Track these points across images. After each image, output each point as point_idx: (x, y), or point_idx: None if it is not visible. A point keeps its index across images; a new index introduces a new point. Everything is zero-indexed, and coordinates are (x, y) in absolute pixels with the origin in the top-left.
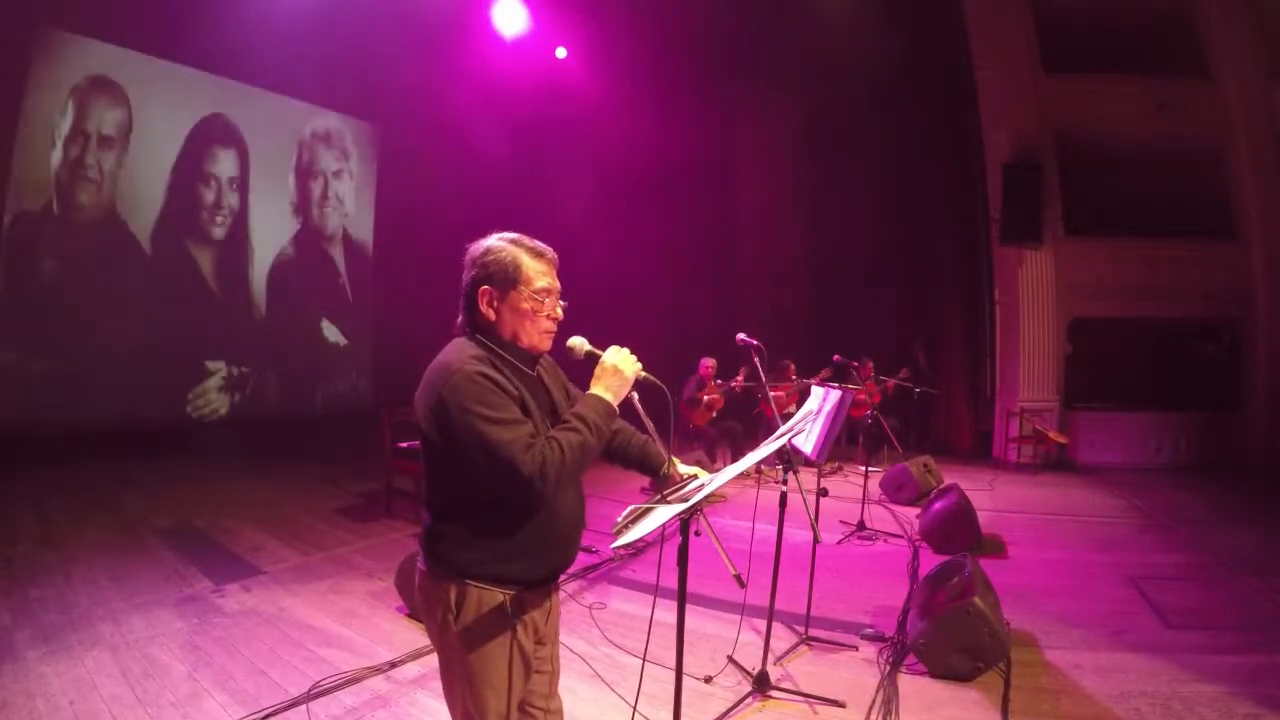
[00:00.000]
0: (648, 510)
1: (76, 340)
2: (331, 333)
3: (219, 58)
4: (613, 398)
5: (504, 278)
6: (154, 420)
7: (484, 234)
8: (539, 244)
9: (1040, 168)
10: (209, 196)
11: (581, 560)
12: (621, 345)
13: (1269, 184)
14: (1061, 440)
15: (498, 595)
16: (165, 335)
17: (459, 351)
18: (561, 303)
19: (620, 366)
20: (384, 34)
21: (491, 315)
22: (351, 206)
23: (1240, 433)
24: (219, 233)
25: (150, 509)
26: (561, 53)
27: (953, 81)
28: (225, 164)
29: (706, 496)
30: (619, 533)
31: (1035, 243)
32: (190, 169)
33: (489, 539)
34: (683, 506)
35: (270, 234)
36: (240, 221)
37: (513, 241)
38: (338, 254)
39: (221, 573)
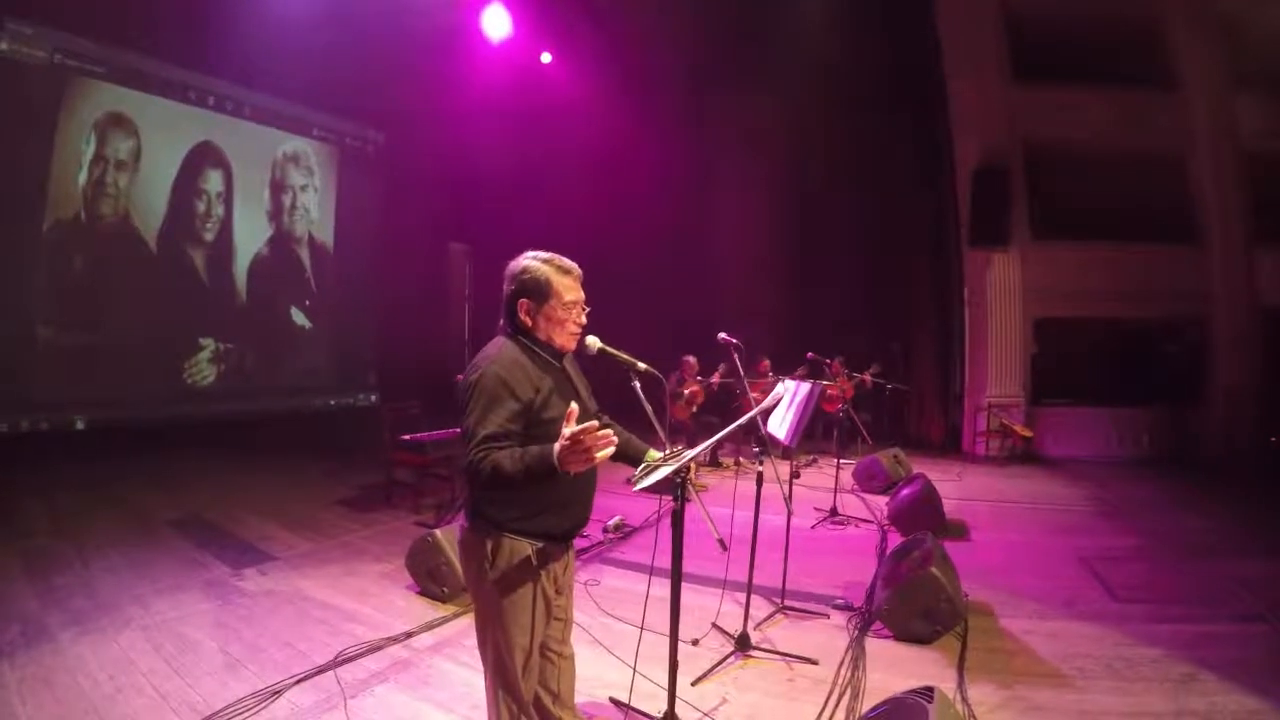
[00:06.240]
0: (655, 468)
1: (100, 319)
2: (298, 317)
3: (209, 96)
4: (561, 467)
5: (539, 292)
6: (156, 395)
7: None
8: (566, 261)
9: (1008, 174)
10: (201, 208)
11: (574, 543)
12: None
13: (1229, 189)
14: (1027, 434)
15: (525, 546)
16: (167, 317)
17: (501, 349)
18: (586, 309)
19: (591, 457)
20: (346, 67)
21: (529, 322)
22: (316, 215)
23: (1199, 427)
24: (209, 236)
25: (157, 502)
26: (547, 57)
27: (925, 90)
28: (214, 181)
29: (691, 485)
30: (636, 482)
31: (1003, 246)
32: (186, 186)
33: (523, 498)
34: (678, 463)
35: (250, 237)
36: (226, 227)
37: (545, 261)
38: (304, 253)
39: (237, 558)
